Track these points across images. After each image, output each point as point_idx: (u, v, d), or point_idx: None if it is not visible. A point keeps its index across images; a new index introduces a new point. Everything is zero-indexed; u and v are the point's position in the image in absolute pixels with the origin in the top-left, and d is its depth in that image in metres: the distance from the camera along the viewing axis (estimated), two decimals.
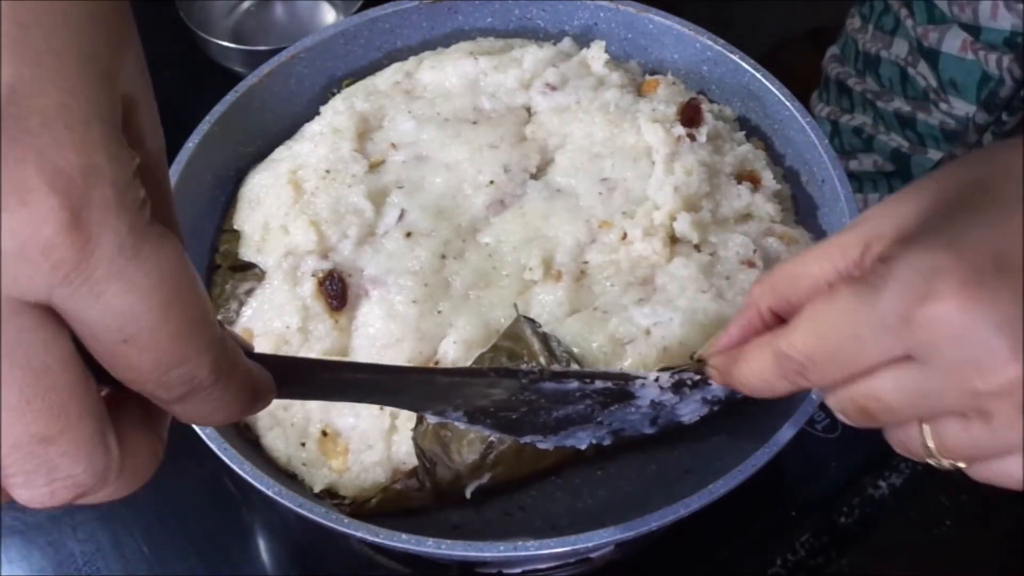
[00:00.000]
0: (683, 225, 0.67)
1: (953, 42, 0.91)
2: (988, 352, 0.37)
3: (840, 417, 0.44)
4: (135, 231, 0.30)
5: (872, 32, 1.02)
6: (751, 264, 0.67)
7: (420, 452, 0.63)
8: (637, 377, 0.55)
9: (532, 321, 0.64)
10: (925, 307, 0.38)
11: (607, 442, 0.57)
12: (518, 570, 0.73)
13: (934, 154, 0.98)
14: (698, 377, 0.55)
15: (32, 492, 0.31)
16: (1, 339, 0.29)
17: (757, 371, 0.46)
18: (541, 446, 0.55)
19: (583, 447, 0.57)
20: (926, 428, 0.41)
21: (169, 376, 0.32)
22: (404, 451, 0.64)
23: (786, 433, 0.60)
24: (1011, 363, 0.37)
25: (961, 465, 0.42)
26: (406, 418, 0.64)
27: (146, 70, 0.36)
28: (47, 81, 0.29)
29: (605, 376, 0.55)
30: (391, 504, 0.63)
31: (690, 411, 0.56)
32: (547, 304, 0.66)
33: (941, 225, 0.40)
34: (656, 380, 0.55)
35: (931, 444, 0.42)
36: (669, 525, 0.58)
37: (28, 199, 0.28)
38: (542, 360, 0.62)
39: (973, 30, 0.88)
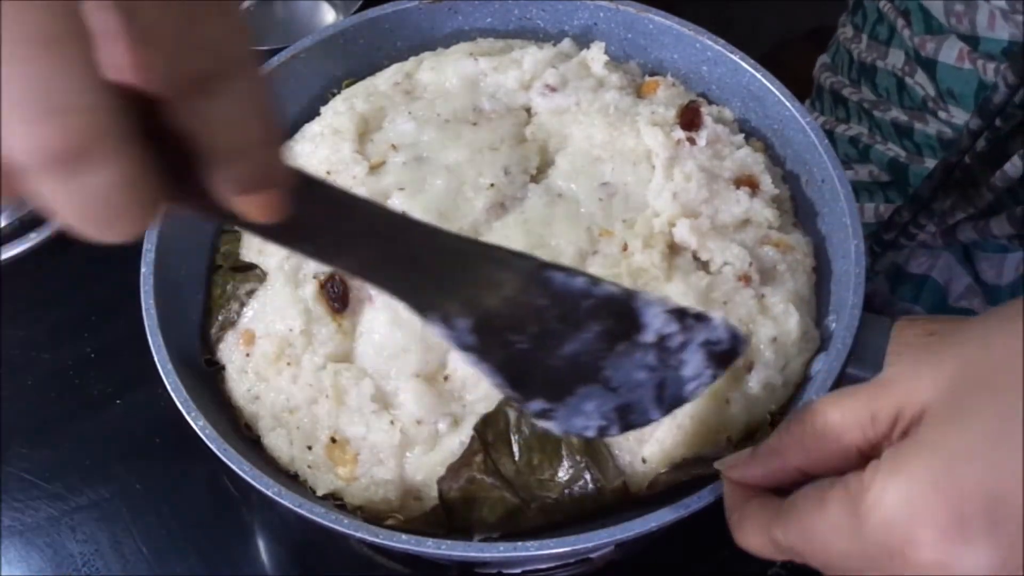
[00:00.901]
0: (682, 232, 0.67)
1: (950, 52, 0.90)
2: None
3: None
4: None
5: (866, 42, 1.02)
6: (747, 279, 0.67)
7: (442, 497, 0.62)
8: (640, 294, 0.50)
9: None
10: (906, 551, 0.39)
11: (614, 432, 0.52)
12: (518, 570, 0.73)
13: (931, 164, 0.97)
14: (699, 311, 0.51)
15: None
16: None
17: (755, 546, 0.49)
18: (552, 429, 0.51)
19: (591, 434, 0.52)
20: None
21: (32, 116, 0.27)
22: (421, 478, 0.63)
23: None
24: None
25: None
26: (420, 441, 0.64)
27: None
28: None
29: (610, 284, 0.50)
30: (405, 529, 0.63)
31: (694, 370, 0.51)
32: None
33: (936, 433, 0.40)
34: (660, 302, 0.50)
35: None
36: (669, 525, 0.58)
37: None
38: (576, 443, 0.61)
39: (971, 40, 0.88)
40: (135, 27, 0.30)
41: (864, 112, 1.03)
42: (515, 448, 0.62)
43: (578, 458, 0.61)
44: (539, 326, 0.47)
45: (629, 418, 0.52)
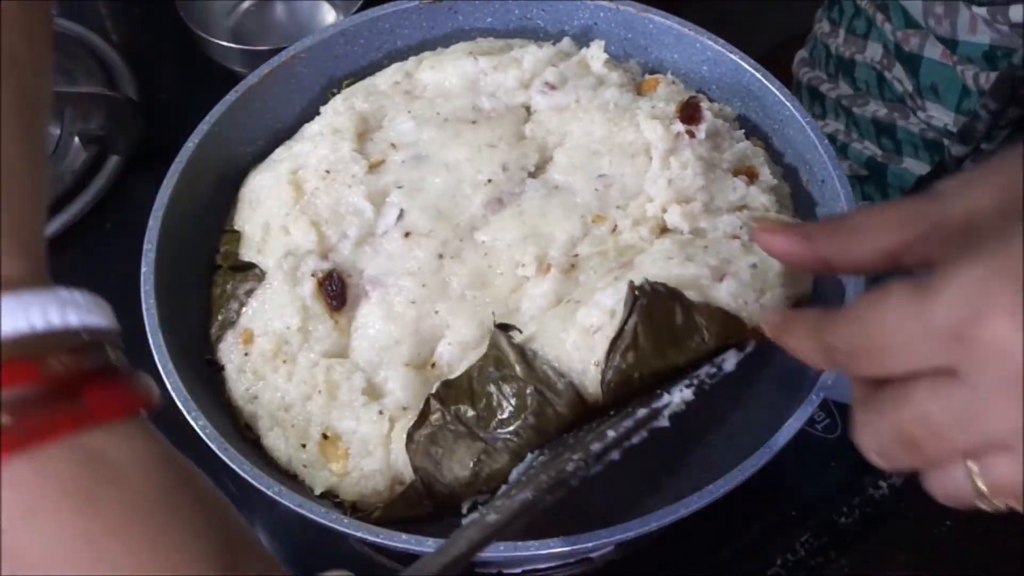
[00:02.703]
0: (674, 216, 0.67)
1: (935, 48, 0.90)
2: None
3: (875, 459, 0.43)
4: None
5: (844, 36, 1.01)
6: (737, 237, 0.66)
7: (414, 469, 0.62)
8: (663, 406, 0.58)
9: (507, 330, 0.63)
10: (979, 325, 0.37)
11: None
12: (518, 570, 0.73)
13: (910, 163, 0.97)
14: (714, 370, 0.58)
15: None
16: None
17: (804, 350, 0.46)
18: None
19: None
20: (973, 467, 0.40)
21: None
22: (403, 460, 0.63)
23: (786, 433, 0.60)
24: None
25: (1016, 506, 0.40)
26: (403, 426, 0.64)
27: None
28: None
29: (637, 427, 0.57)
30: (393, 514, 0.62)
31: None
32: (535, 298, 0.66)
33: (1005, 228, 0.39)
34: (681, 396, 0.58)
35: (981, 484, 0.40)
36: (669, 525, 0.58)
37: None
38: (518, 369, 0.61)
39: (950, 43, 0.87)
40: None
41: (841, 108, 1.03)
42: (473, 397, 0.62)
43: (522, 384, 0.60)
44: None
45: None
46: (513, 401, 0.60)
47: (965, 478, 0.40)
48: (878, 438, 0.42)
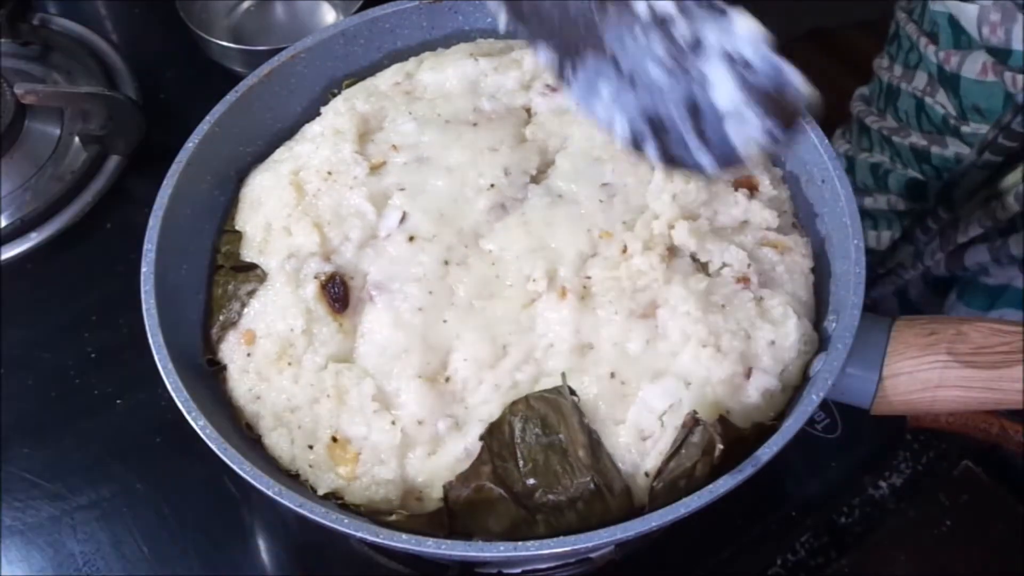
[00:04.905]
0: (681, 234, 0.68)
1: (973, 65, 0.91)
2: None
3: None
4: None
5: (897, 69, 1.04)
6: (746, 281, 0.67)
7: (449, 503, 0.63)
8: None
9: (574, 395, 0.63)
10: None
11: (651, 151, 0.48)
12: (518, 570, 0.73)
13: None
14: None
15: None
16: None
17: None
18: (573, 95, 0.48)
19: (620, 132, 0.48)
20: None
21: None
22: (421, 481, 0.63)
23: (786, 433, 0.60)
24: None
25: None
26: (424, 444, 0.64)
27: None
28: None
29: None
30: (411, 526, 0.62)
31: (729, 100, 0.45)
32: (552, 322, 0.65)
33: None
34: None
35: None
36: (669, 525, 0.58)
37: None
38: (582, 454, 0.61)
39: (1002, 53, 0.88)
40: None
41: (885, 140, 1.05)
42: (520, 460, 0.62)
43: (583, 473, 0.61)
44: None
45: (668, 144, 0.46)
46: (568, 485, 0.61)
47: None
48: None
